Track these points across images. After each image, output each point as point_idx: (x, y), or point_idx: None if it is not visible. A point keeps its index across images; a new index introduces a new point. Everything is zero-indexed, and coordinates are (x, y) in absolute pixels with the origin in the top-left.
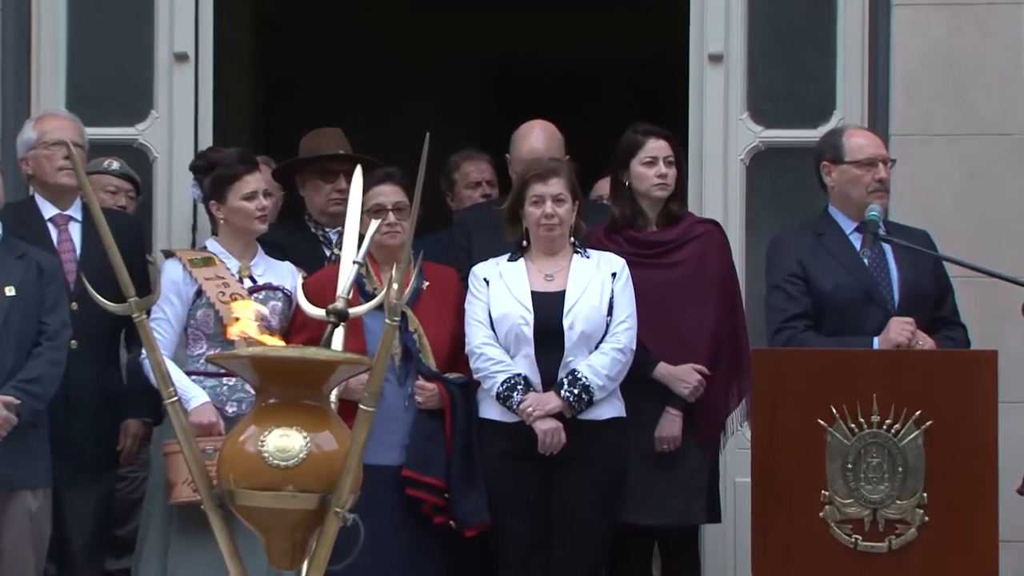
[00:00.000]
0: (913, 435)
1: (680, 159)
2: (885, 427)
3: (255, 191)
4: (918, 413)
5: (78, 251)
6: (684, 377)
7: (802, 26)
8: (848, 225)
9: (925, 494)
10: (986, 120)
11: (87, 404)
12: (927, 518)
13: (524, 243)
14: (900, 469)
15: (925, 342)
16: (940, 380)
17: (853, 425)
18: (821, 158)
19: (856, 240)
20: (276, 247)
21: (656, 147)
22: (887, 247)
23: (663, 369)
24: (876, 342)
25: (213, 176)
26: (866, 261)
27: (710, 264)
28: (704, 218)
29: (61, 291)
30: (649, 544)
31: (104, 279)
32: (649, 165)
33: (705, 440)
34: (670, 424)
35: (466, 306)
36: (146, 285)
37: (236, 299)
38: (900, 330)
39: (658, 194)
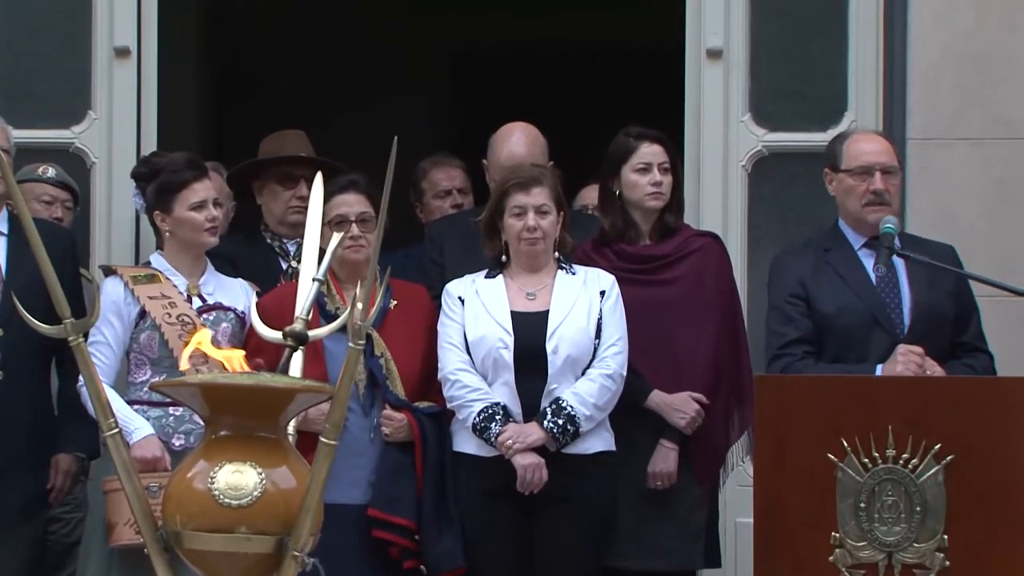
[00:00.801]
0: (933, 471)
1: (676, 166)
2: (902, 462)
3: (204, 200)
4: (938, 446)
5: (3, 268)
6: (680, 407)
7: (810, 18)
8: (857, 240)
9: (946, 536)
10: (1014, 122)
11: (15, 438)
12: (948, 563)
13: (503, 258)
14: (918, 509)
15: (935, 372)
16: (963, 410)
17: (866, 460)
18: (825, 165)
19: (865, 257)
20: (227, 261)
21: (650, 152)
22: (900, 264)
23: (657, 398)
24: (879, 370)
25: (157, 184)
26: (874, 280)
27: (709, 281)
28: (702, 231)
29: None
30: None
31: (34, 299)
32: (642, 172)
33: (703, 477)
34: (665, 458)
35: (439, 328)
36: (80, 305)
37: (183, 320)
38: (907, 361)
39: (652, 204)
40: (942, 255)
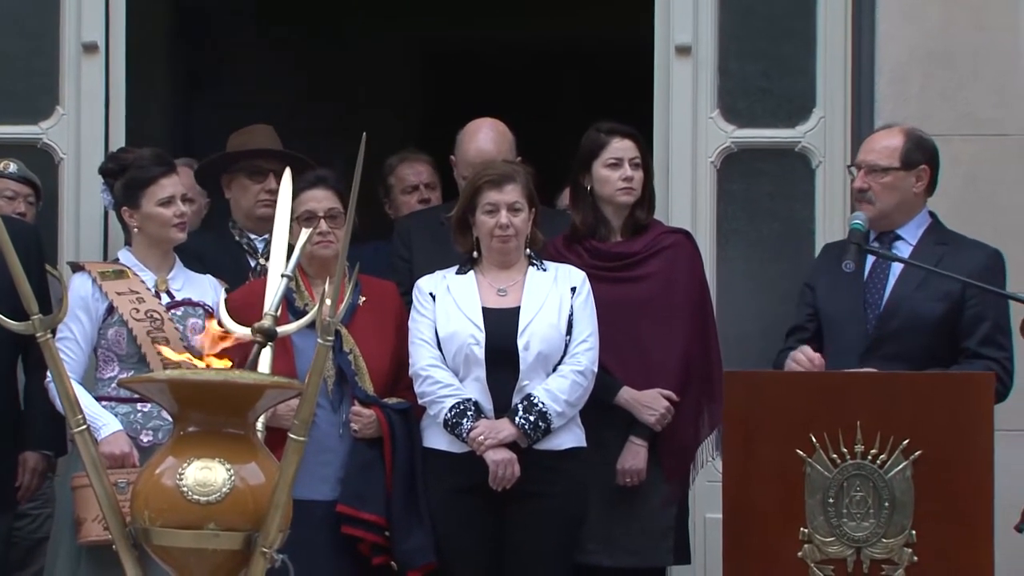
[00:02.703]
0: (901, 466)
1: (647, 161)
2: (870, 457)
3: (172, 196)
4: (906, 442)
5: None
6: (650, 403)
7: (779, 14)
8: (872, 234)
9: (914, 531)
10: (983, 119)
11: None
12: (916, 558)
13: (475, 254)
14: (886, 504)
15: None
16: (931, 406)
17: (835, 455)
18: None
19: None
20: (194, 257)
21: (621, 147)
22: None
23: (627, 394)
24: (789, 357)
25: (125, 179)
26: (864, 274)
27: (679, 279)
28: (673, 228)
29: None
30: None
31: (2, 296)
32: (613, 167)
33: (673, 473)
34: (634, 455)
35: (410, 324)
36: (46, 301)
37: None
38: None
39: (623, 199)
40: (977, 259)
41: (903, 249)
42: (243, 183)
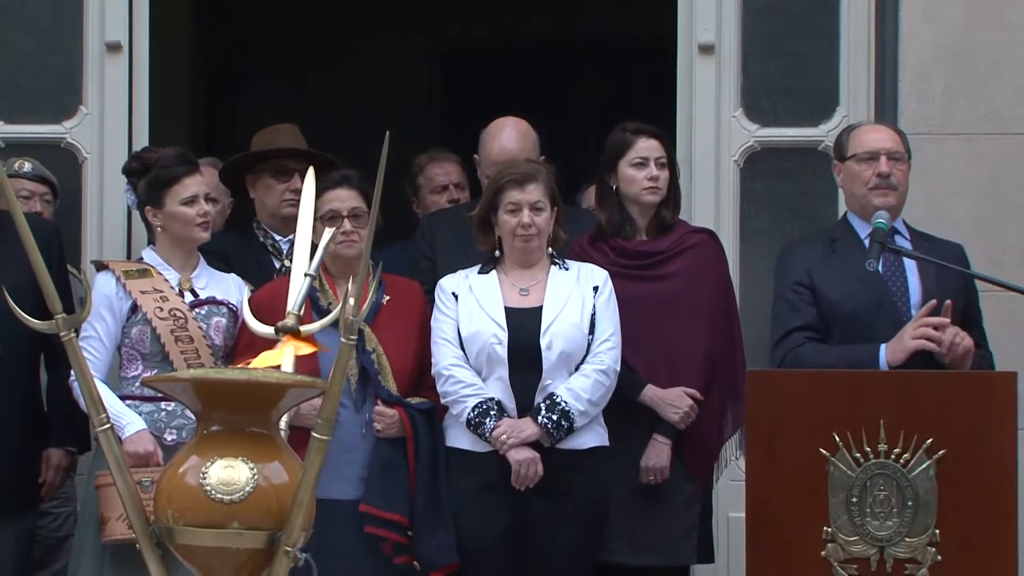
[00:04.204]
0: (924, 465)
1: (673, 161)
2: (893, 456)
3: (195, 195)
4: (930, 441)
5: None
6: (674, 401)
7: (802, 13)
8: (863, 230)
9: (937, 530)
10: (1005, 117)
11: (4, 432)
12: (940, 557)
13: (497, 253)
14: (910, 503)
15: (960, 339)
16: (954, 404)
17: (858, 454)
18: (834, 158)
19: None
20: (220, 257)
21: (647, 147)
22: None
23: (651, 392)
24: (883, 349)
25: (149, 179)
26: (880, 270)
27: (705, 277)
28: (698, 227)
29: None
30: None
31: (22, 292)
32: (639, 167)
33: (696, 472)
34: (658, 453)
35: (432, 323)
36: (67, 299)
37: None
38: (919, 329)
39: (648, 199)
40: (950, 253)
41: (901, 243)
42: (268, 183)
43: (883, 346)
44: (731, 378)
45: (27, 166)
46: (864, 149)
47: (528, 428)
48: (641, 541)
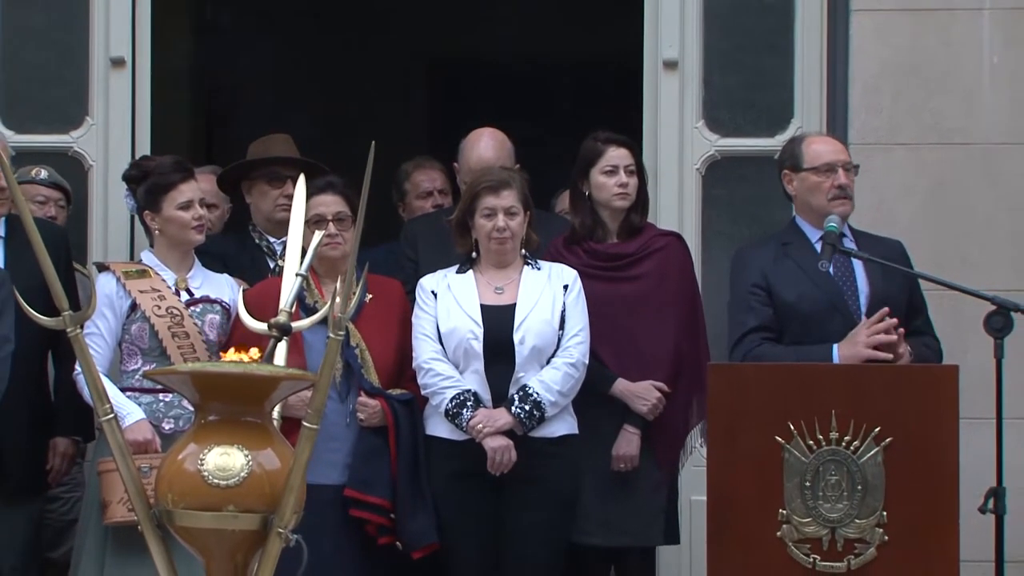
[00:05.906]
0: (872, 452)
1: (641, 168)
2: (844, 444)
3: (191, 200)
4: (878, 430)
5: (2, 268)
6: (643, 394)
7: (759, 32)
8: (814, 234)
9: (885, 513)
10: (949, 129)
11: (15, 422)
12: (887, 537)
13: (474, 255)
14: (859, 487)
15: (904, 349)
16: (900, 396)
17: (811, 442)
18: (782, 167)
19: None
20: (218, 259)
21: (617, 155)
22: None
23: (621, 386)
24: (836, 349)
25: (147, 185)
26: (831, 271)
27: (671, 278)
28: (665, 230)
29: (9, 301)
30: (606, 567)
31: (32, 292)
32: (610, 174)
33: (664, 460)
34: (628, 442)
35: (413, 320)
36: (73, 298)
37: (172, 313)
38: (871, 341)
39: (619, 204)
40: (892, 250)
41: (848, 244)
42: (262, 189)
43: (835, 347)
44: (696, 372)
45: (43, 173)
46: (823, 161)
47: (502, 418)
48: (613, 524)
